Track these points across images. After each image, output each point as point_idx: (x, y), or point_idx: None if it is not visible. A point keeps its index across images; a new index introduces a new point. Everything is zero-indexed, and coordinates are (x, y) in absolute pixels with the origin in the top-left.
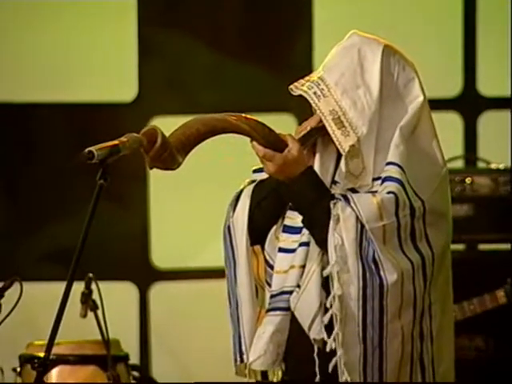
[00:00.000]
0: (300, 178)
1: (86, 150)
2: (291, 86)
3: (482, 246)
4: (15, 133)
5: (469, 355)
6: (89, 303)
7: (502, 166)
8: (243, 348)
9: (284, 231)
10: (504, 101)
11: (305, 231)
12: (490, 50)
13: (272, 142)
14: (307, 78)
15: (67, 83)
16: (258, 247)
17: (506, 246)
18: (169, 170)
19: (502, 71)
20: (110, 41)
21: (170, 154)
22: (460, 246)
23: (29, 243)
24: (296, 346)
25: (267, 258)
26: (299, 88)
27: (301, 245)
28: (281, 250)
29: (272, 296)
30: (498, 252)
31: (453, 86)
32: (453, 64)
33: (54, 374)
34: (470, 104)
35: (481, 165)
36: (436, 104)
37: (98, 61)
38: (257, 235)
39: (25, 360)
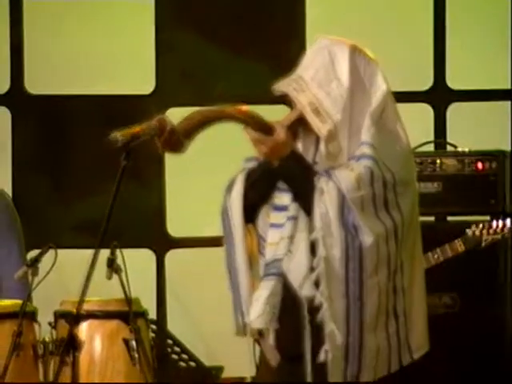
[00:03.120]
0: (288, 158)
1: (112, 135)
2: (274, 87)
3: (450, 218)
4: (54, 120)
5: (438, 312)
6: (113, 267)
7: (467, 150)
8: (244, 310)
9: (274, 209)
10: (469, 93)
11: (291, 207)
12: (457, 49)
13: (263, 128)
14: (286, 79)
15: (95, 78)
16: (251, 226)
17: (470, 218)
18: (177, 153)
19: (467, 67)
20: (131, 40)
21: (178, 139)
22: (431, 218)
23: (63, 215)
24: (288, 306)
25: (260, 232)
26: (281, 87)
27: (288, 219)
28: (272, 225)
29: (266, 265)
30: (464, 223)
31: (425, 81)
32: (425, 62)
33: (84, 326)
34: (439, 96)
35: (449, 148)
36: (410, 96)
37: (120, 58)
38: (250, 212)
39: (59, 315)
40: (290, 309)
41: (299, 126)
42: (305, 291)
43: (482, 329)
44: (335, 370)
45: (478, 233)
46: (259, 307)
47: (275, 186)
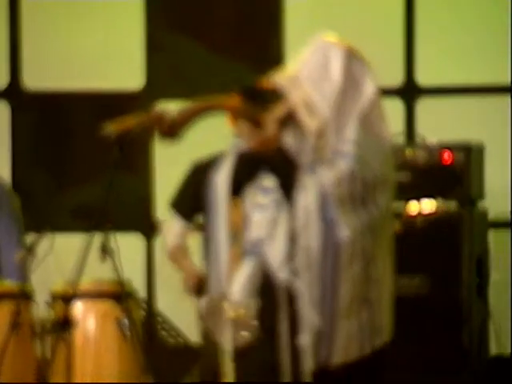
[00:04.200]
0: (275, 152)
1: (106, 129)
2: (270, 80)
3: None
4: (51, 113)
5: (409, 293)
6: (106, 249)
7: (434, 142)
8: (222, 279)
9: (260, 190)
10: (436, 90)
11: (276, 191)
12: (427, 49)
13: (253, 121)
14: (283, 74)
15: (89, 73)
16: (239, 201)
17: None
18: (174, 140)
19: (436, 66)
20: (122, 38)
21: (176, 129)
22: (401, 204)
23: (60, 201)
24: (266, 287)
25: (246, 210)
26: (277, 81)
27: (273, 202)
28: (257, 205)
29: (248, 243)
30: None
31: (396, 77)
32: (396, 60)
33: (79, 306)
34: (409, 92)
35: (418, 140)
36: (382, 92)
37: (112, 55)
38: (237, 187)
39: (55, 295)
40: (267, 289)
41: (289, 119)
42: (282, 275)
43: (447, 308)
44: (308, 353)
45: (411, 214)
46: (241, 285)
47: (262, 169)
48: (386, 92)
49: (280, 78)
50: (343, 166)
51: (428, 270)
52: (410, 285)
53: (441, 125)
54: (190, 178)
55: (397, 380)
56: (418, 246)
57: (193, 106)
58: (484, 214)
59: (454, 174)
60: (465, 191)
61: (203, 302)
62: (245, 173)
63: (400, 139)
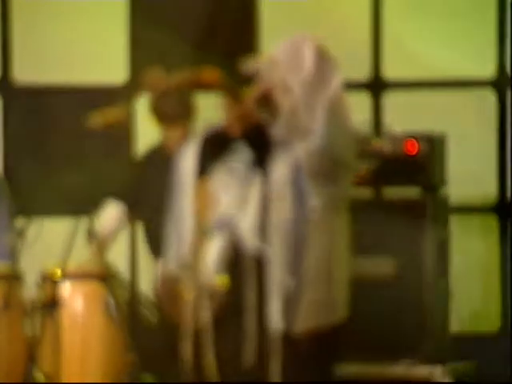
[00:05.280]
0: (251, 128)
1: (93, 119)
2: (249, 64)
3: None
4: (41, 106)
5: (376, 277)
6: (92, 232)
7: (399, 133)
8: (182, 257)
9: (228, 169)
10: (401, 83)
11: (246, 168)
12: (393, 45)
13: (232, 95)
14: (260, 58)
15: (76, 68)
16: (207, 180)
17: (402, 191)
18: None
19: (401, 59)
20: (107, 35)
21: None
22: (367, 190)
23: (48, 188)
24: (237, 257)
25: (216, 189)
26: (255, 65)
27: (242, 179)
28: (226, 183)
29: (218, 219)
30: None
31: (363, 71)
32: (363, 55)
33: (67, 286)
34: (376, 85)
35: (384, 131)
36: (350, 85)
37: (98, 51)
38: (204, 166)
39: (45, 276)
40: (237, 261)
41: (265, 98)
42: (253, 243)
43: (412, 288)
44: (277, 319)
45: None
46: (213, 258)
47: (230, 148)
48: (354, 86)
49: (258, 62)
50: (314, 141)
51: (394, 252)
52: (376, 266)
53: (406, 117)
54: (131, 171)
55: (361, 359)
56: (385, 230)
57: (175, 80)
58: (445, 200)
59: (418, 162)
60: (428, 179)
61: (158, 281)
62: (212, 153)
63: (367, 130)
